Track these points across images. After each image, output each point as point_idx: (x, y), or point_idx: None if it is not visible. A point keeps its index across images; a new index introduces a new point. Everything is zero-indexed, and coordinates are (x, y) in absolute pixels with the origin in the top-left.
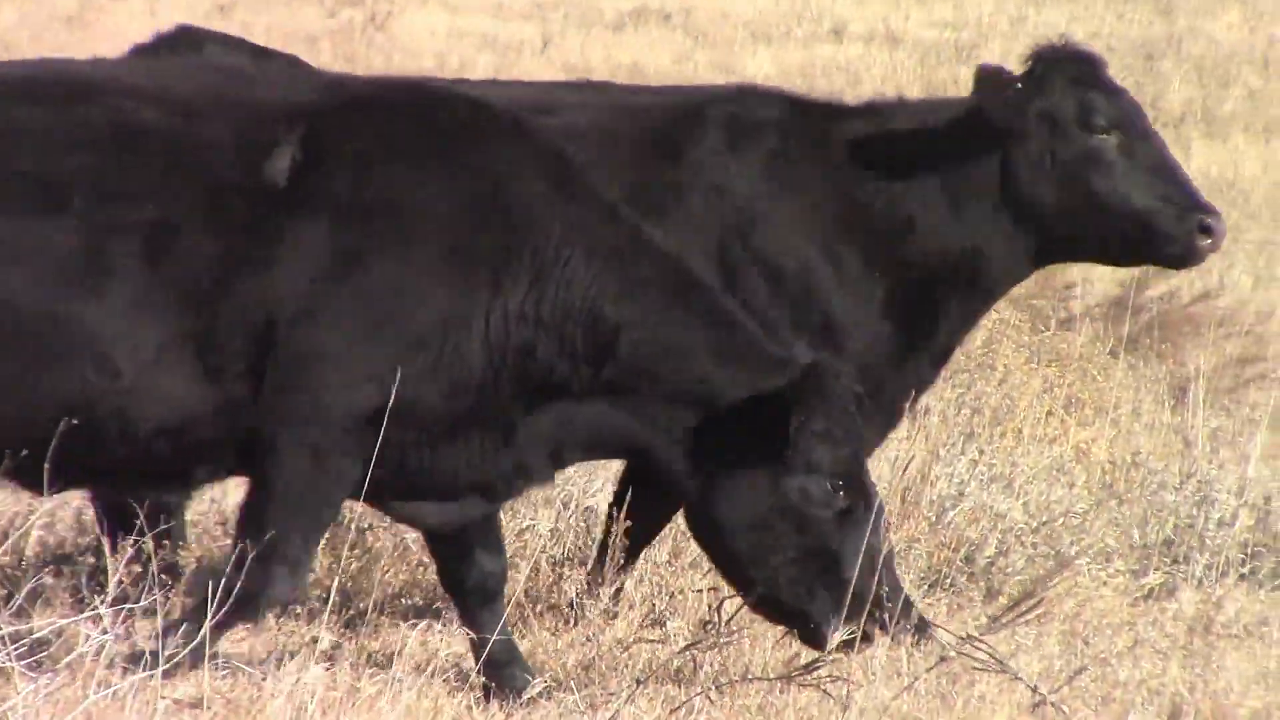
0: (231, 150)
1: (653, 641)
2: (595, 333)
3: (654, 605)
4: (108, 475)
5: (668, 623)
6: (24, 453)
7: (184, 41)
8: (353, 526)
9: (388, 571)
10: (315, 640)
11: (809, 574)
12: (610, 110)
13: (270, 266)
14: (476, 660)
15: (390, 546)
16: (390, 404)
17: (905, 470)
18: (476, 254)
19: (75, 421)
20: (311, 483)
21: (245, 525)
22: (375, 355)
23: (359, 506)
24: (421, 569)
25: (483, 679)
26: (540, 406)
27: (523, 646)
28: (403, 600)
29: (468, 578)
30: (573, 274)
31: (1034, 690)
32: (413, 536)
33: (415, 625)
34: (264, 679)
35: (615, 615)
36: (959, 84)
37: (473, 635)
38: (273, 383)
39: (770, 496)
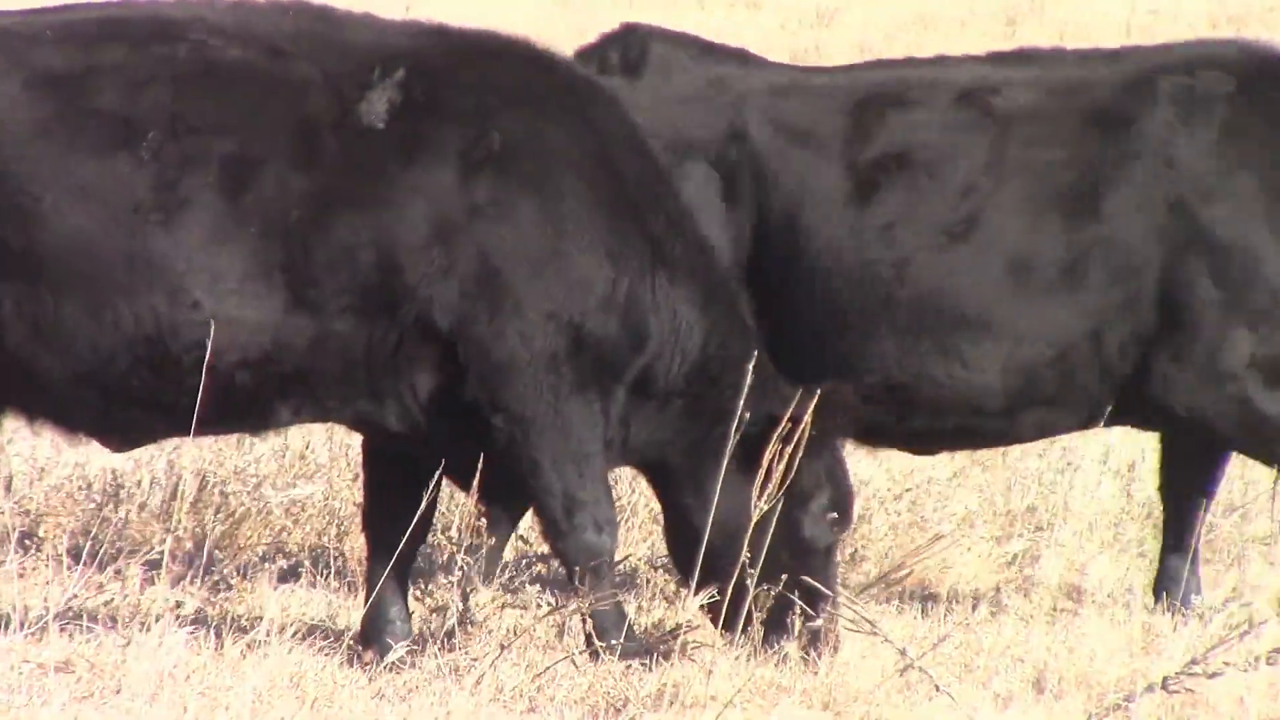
0: (322, 89)
1: (516, 607)
2: (687, 330)
3: (517, 569)
4: (187, 411)
5: (531, 588)
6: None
7: None
8: (216, 490)
9: (250, 535)
10: (179, 604)
11: (784, 585)
12: (1054, 85)
13: (380, 208)
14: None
15: (253, 510)
16: (581, 341)
17: None
18: (615, 205)
19: (153, 353)
20: (559, 428)
21: (533, 493)
22: (546, 294)
23: (219, 470)
24: (285, 532)
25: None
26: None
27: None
28: (265, 564)
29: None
30: (675, 262)
31: (902, 653)
32: (276, 499)
33: (278, 588)
34: (127, 643)
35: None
36: (820, 50)
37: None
38: (455, 339)
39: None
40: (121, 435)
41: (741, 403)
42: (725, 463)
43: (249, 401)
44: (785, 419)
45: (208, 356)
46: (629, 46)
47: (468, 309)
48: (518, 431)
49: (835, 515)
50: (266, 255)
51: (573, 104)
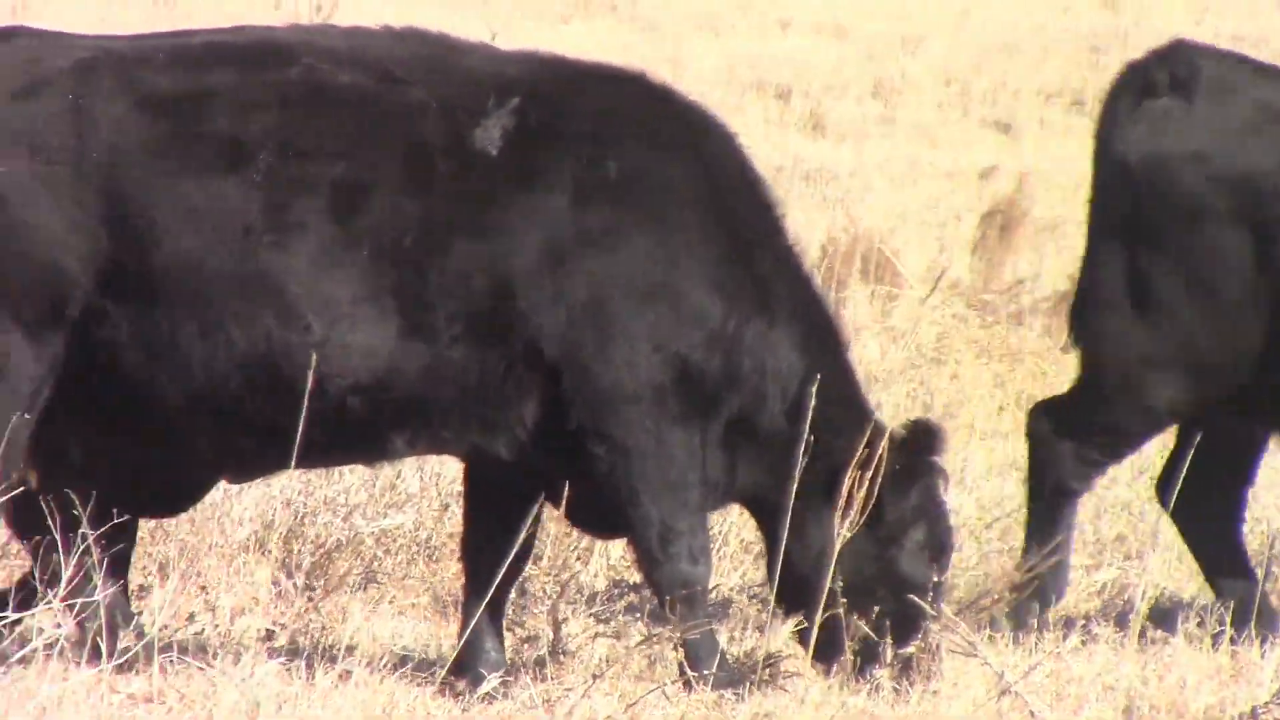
0: (435, 115)
1: (608, 636)
2: (789, 369)
3: (609, 599)
4: (301, 442)
5: (624, 618)
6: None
7: None
8: (307, 520)
9: (342, 565)
10: (270, 634)
11: (883, 618)
12: None
13: (493, 234)
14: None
15: (344, 540)
16: (685, 374)
17: None
18: (724, 241)
19: (266, 377)
20: (659, 458)
21: (630, 523)
22: (655, 325)
23: (310, 500)
24: (376, 562)
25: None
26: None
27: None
28: (357, 594)
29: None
30: (778, 301)
31: (1000, 676)
32: (367, 529)
33: (370, 618)
34: (219, 674)
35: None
36: (906, 77)
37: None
38: (562, 367)
39: (873, 561)
40: (236, 463)
41: (843, 440)
42: (830, 499)
43: (362, 430)
44: (861, 449)
45: (320, 381)
46: (1178, 64)
47: (575, 337)
48: (619, 461)
49: (933, 551)
50: (378, 279)
51: (687, 137)
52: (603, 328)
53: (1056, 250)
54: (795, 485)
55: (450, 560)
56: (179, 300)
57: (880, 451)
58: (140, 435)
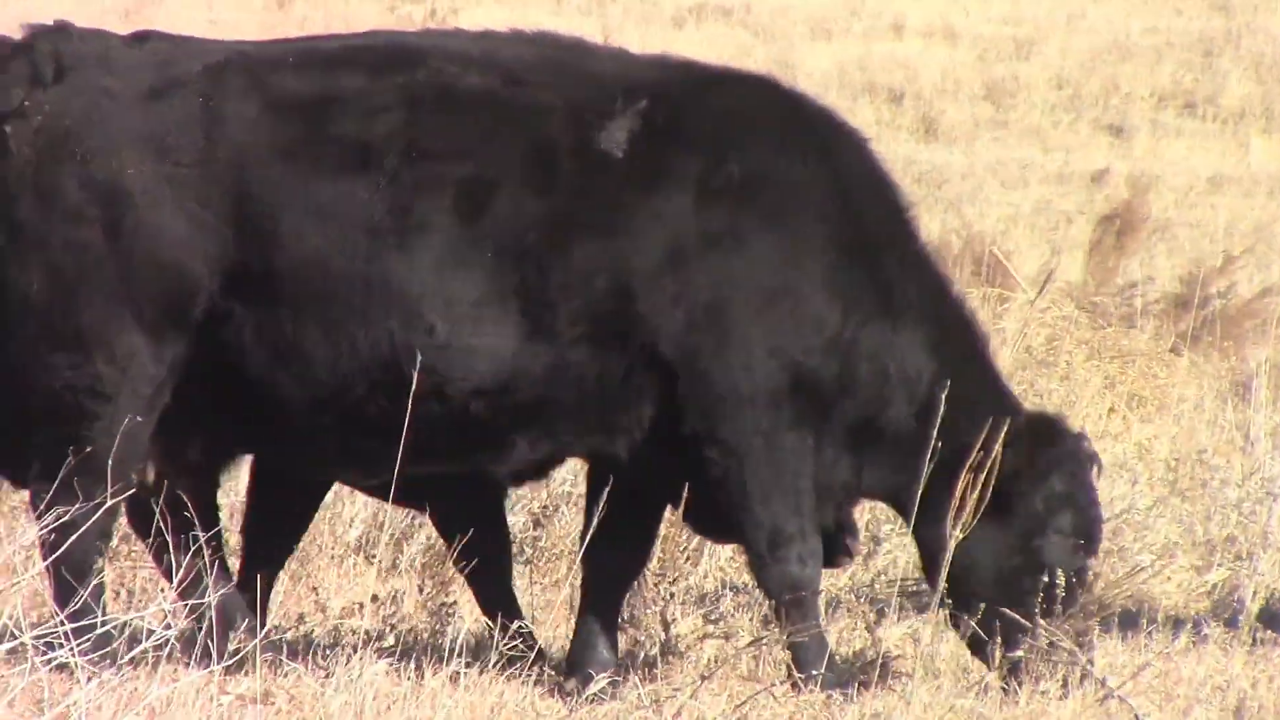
0: (561, 116)
1: (718, 637)
2: (916, 372)
3: (718, 601)
4: (424, 442)
5: (733, 619)
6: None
7: None
8: (416, 520)
9: (450, 568)
10: (379, 635)
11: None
12: None
13: (616, 237)
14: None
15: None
16: (800, 379)
17: None
18: (849, 245)
19: (388, 378)
20: (772, 462)
21: (740, 525)
22: (773, 329)
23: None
24: None
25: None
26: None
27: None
28: (467, 594)
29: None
30: (906, 304)
31: (1102, 683)
32: None
33: (479, 619)
34: (327, 674)
35: (674, 618)
36: (1017, 80)
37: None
38: (678, 369)
39: (1018, 553)
40: (362, 467)
41: (978, 440)
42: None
43: (485, 432)
44: (977, 447)
45: (443, 383)
46: None
47: (693, 339)
48: (732, 464)
49: (1080, 541)
50: (502, 281)
51: (814, 141)
52: (721, 331)
53: (1167, 252)
54: (921, 485)
55: (558, 561)
56: (303, 302)
57: (1001, 445)
58: (263, 437)
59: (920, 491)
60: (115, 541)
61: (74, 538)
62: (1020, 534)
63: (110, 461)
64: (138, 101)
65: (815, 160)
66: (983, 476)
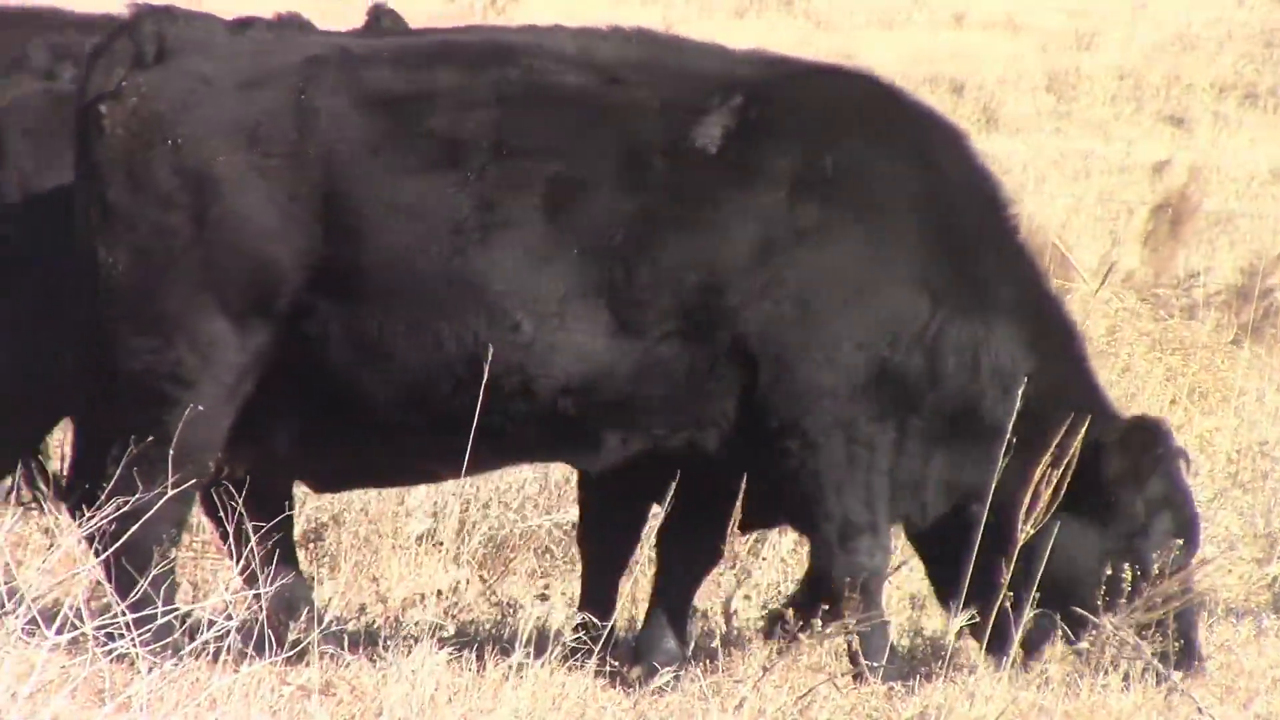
0: (656, 114)
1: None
2: (1011, 368)
3: (779, 593)
4: (512, 439)
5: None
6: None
7: None
8: (479, 513)
9: (513, 559)
10: (439, 627)
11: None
12: None
13: (707, 232)
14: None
15: (516, 534)
16: (884, 372)
17: None
18: (941, 240)
19: (474, 376)
20: (849, 454)
21: (812, 515)
22: (860, 322)
23: (481, 493)
24: (548, 555)
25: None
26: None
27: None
28: (528, 587)
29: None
30: (1000, 300)
31: (1165, 676)
32: (539, 523)
33: (540, 610)
34: (388, 666)
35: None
36: (1080, 72)
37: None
38: (763, 361)
39: (1120, 555)
40: (451, 463)
41: (1072, 438)
42: (1069, 495)
43: (575, 429)
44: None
45: (530, 380)
46: None
47: (780, 331)
48: (809, 456)
49: (1180, 540)
50: (588, 278)
51: (910, 137)
52: (807, 323)
53: (1229, 244)
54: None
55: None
56: (389, 298)
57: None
58: (348, 430)
59: (1014, 488)
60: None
61: (141, 525)
62: (1121, 535)
63: (188, 449)
64: (233, 90)
65: (909, 156)
66: (1057, 473)
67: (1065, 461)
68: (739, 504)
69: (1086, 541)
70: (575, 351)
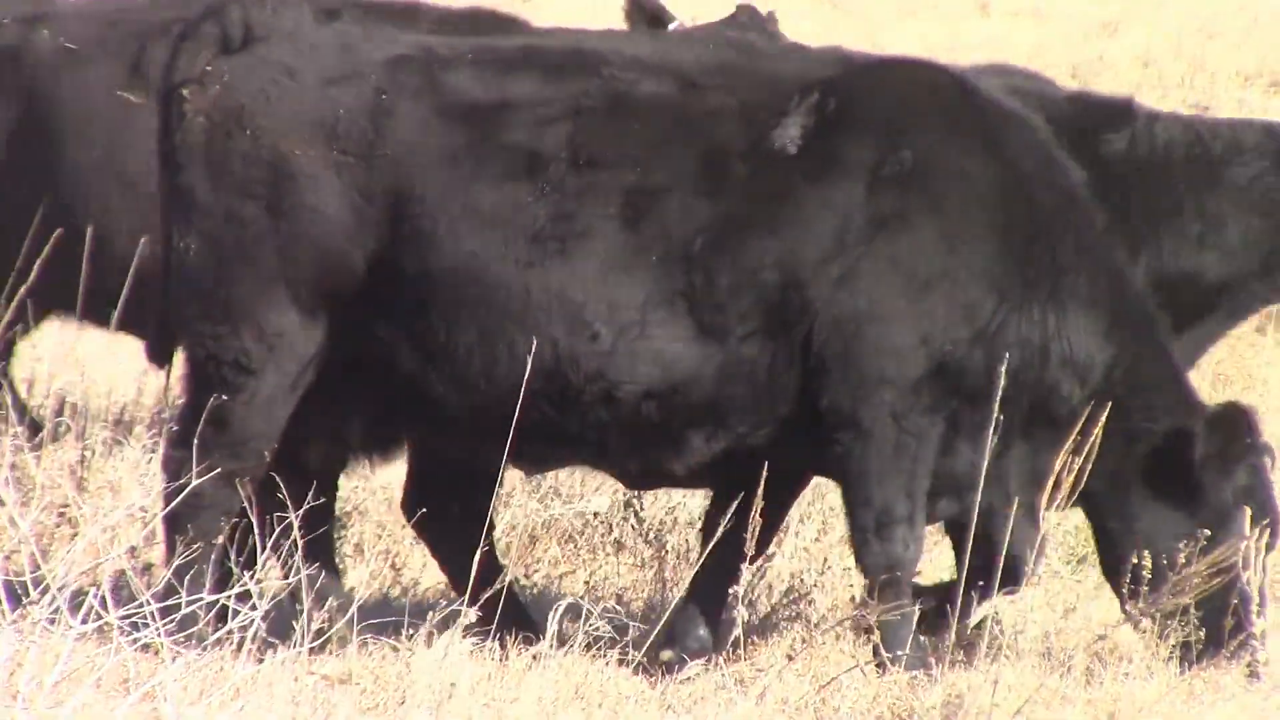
0: (735, 118)
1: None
2: (1086, 357)
3: (802, 581)
4: (592, 444)
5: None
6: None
7: None
8: (504, 502)
9: (541, 548)
10: (463, 615)
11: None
12: None
13: (787, 230)
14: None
15: (541, 523)
16: (944, 366)
17: None
18: (1012, 233)
19: (552, 385)
20: (898, 445)
21: (851, 502)
22: (928, 315)
23: (514, 487)
24: (572, 544)
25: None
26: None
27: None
28: (553, 575)
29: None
30: (1076, 290)
31: (1185, 664)
32: (565, 513)
33: (564, 600)
34: (413, 655)
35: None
36: (1104, 60)
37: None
38: (828, 349)
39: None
40: (531, 464)
41: (1161, 425)
42: (1150, 484)
43: (658, 433)
44: (1076, 431)
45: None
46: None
47: (850, 321)
48: (857, 445)
49: (1263, 534)
50: (668, 284)
51: (984, 129)
52: (877, 313)
53: None
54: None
55: (641, 544)
56: (459, 305)
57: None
58: (420, 431)
59: (1107, 482)
60: None
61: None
62: (1204, 524)
63: (245, 436)
64: (315, 84)
65: (983, 149)
66: (1079, 459)
67: (1086, 450)
68: (760, 495)
69: (1169, 528)
70: (656, 357)
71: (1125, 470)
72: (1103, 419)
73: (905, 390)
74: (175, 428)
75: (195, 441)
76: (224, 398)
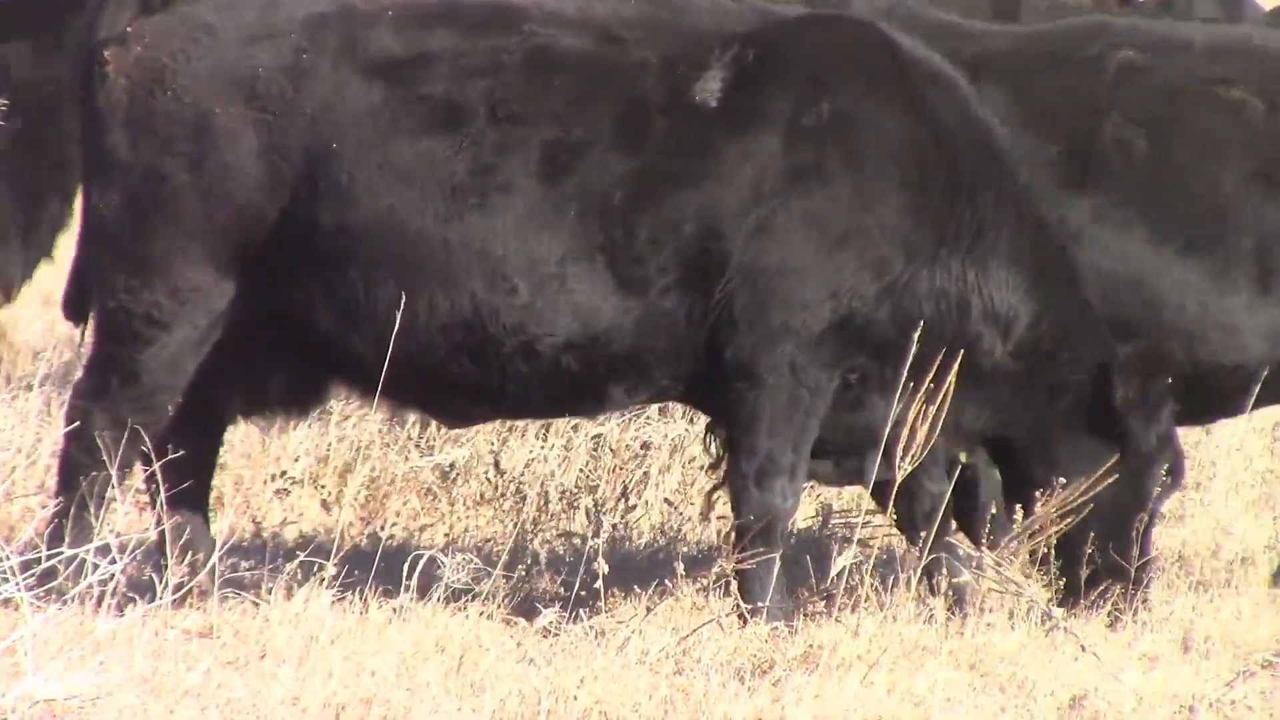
0: (656, 72)
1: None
2: (1009, 310)
3: (663, 533)
4: (514, 397)
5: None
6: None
7: None
8: (363, 455)
9: (400, 500)
10: (321, 568)
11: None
12: None
13: (706, 182)
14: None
15: (399, 476)
16: (849, 320)
17: None
18: (930, 189)
19: (472, 339)
20: (793, 396)
21: (736, 448)
22: (839, 269)
23: (372, 439)
24: (431, 497)
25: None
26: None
27: (525, 567)
28: (409, 528)
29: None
30: (997, 245)
31: (1047, 614)
32: (425, 464)
33: (421, 553)
34: (273, 608)
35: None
36: None
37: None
38: (738, 299)
39: (1128, 488)
40: (449, 419)
41: (1085, 375)
42: (1079, 431)
43: (578, 385)
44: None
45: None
46: None
47: (761, 275)
48: (751, 394)
49: (1174, 480)
50: (587, 238)
51: (905, 84)
52: (789, 267)
53: None
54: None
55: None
56: (378, 261)
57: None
58: (339, 387)
59: (1033, 432)
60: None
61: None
62: (1133, 470)
63: (151, 389)
64: (235, 43)
65: (903, 104)
66: (933, 410)
67: (939, 399)
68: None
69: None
70: (576, 310)
71: (1050, 421)
72: (956, 367)
73: (807, 343)
74: (83, 378)
75: (98, 389)
76: (133, 350)
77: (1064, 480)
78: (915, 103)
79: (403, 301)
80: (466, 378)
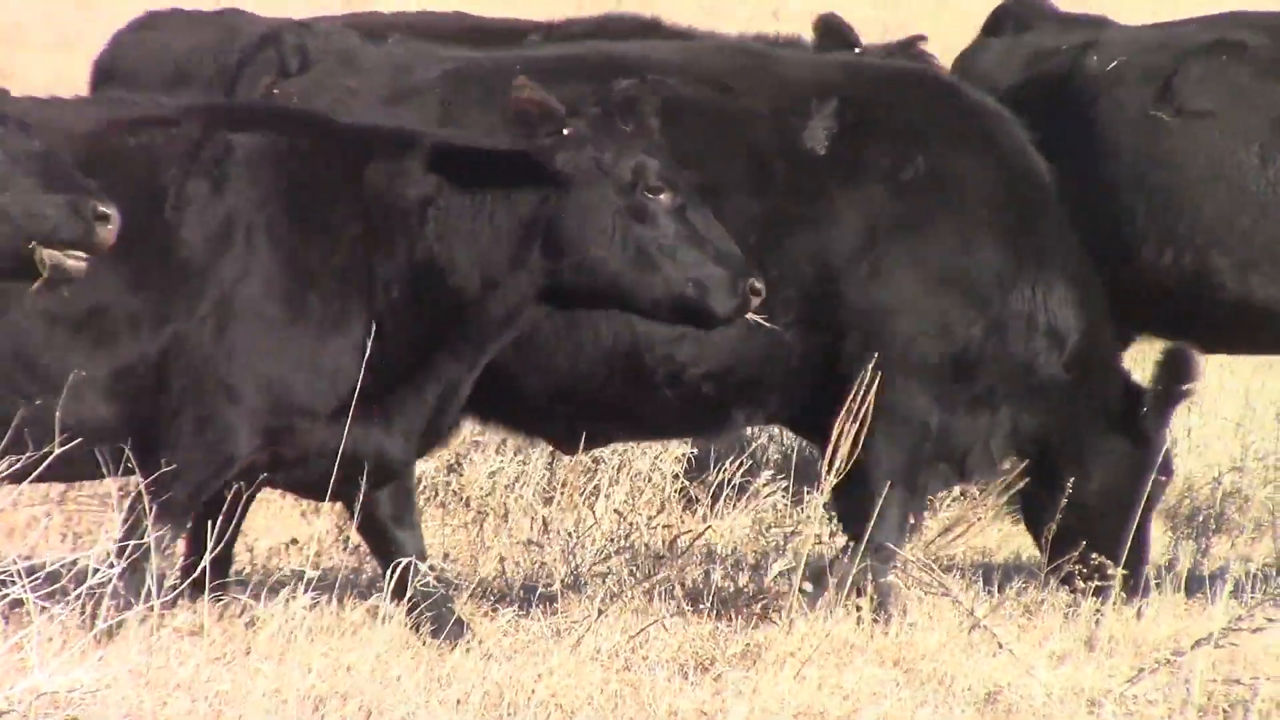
0: (769, 121)
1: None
2: (1065, 325)
3: (613, 540)
4: (648, 422)
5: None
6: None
7: None
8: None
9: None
10: (303, 573)
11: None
12: None
13: (820, 225)
14: None
15: None
16: (960, 354)
17: None
18: (1015, 233)
19: (623, 371)
20: (906, 425)
21: (853, 474)
22: (943, 307)
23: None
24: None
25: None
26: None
27: (487, 572)
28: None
29: None
30: (1056, 265)
31: (970, 613)
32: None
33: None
34: (257, 609)
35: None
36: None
37: None
38: (850, 337)
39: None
40: (579, 443)
41: (1113, 384)
42: (1107, 435)
43: (711, 410)
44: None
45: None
46: None
47: (875, 316)
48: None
49: (1165, 476)
50: None
51: (981, 129)
52: (899, 307)
53: None
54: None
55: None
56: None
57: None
58: (498, 415)
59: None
60: (65, 488)
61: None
62: (1139, 469)
63: None
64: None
65: (981, 148)
66: (853, 425)
67: (861, 415)
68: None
69: (1124, 463)
70: (718, 343)
71: (1081, 423)
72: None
73: (923, 379)
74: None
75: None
76: None
77: (1085, 479)
78: (990, 145)
79: (570, 333)
80: (615, 404)
